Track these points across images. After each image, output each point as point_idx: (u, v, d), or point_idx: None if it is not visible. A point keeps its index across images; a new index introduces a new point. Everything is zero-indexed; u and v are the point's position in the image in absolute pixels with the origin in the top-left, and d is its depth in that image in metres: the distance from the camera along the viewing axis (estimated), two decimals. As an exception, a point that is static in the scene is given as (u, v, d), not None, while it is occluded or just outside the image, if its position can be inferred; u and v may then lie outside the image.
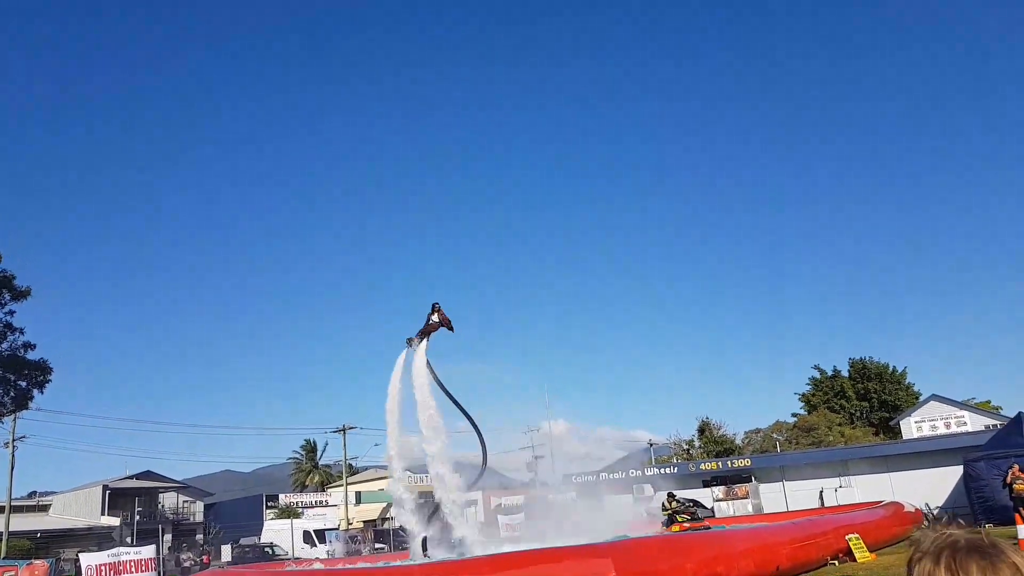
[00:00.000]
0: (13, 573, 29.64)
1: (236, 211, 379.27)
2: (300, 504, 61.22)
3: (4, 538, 42.95)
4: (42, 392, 33.52)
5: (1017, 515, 20.03)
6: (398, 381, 23.88)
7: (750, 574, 14.92)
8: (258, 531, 48.65)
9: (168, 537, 47.67)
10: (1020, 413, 28.63)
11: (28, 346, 32.89)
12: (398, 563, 20.80)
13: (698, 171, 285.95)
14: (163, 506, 61.93)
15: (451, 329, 23.96)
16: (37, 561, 31.51)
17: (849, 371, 64.28)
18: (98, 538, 49.41)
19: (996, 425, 38.35)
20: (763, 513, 34.28)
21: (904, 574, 1.72)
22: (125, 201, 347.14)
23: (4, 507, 44.94)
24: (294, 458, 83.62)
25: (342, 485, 63.05)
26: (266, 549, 41.89)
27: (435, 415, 23.11)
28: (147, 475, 61.03)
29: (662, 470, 42.49)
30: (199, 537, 56.32)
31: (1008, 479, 22.46)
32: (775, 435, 60.69)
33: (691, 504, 27.60)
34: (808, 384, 66.12)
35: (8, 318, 32.77)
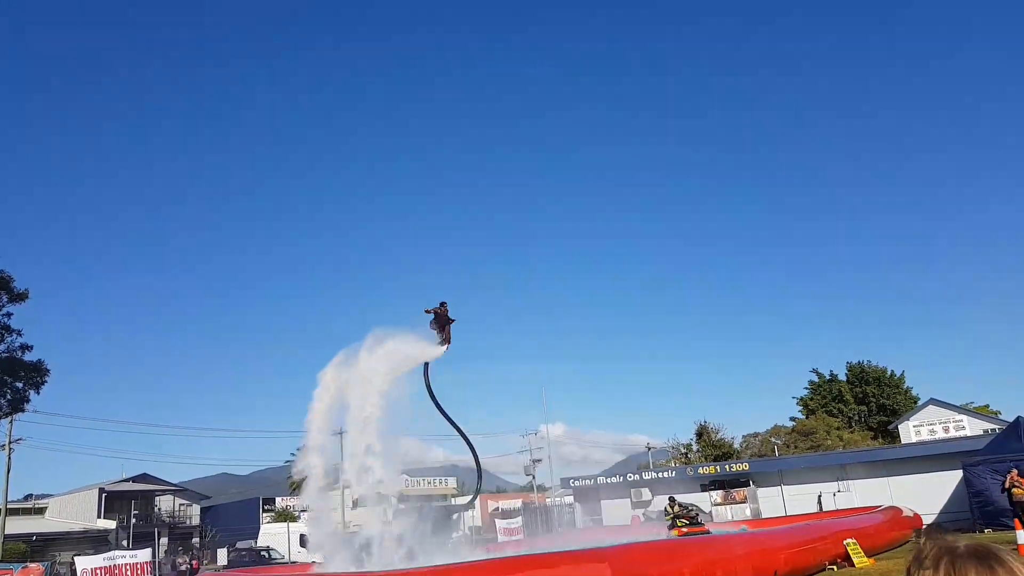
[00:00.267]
0: (8, 576, 29.53)
1: (235, 214, 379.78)
2: (297, 508, 61.03)
3: (-1, 541, 42.83)
4: (39, 394, 33.59)
5: (1016, 520, 20.01)
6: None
7: (748, 579, 14.86)
8: (255, 534, 48.53)
9: (164, 540, 47.53)
10: (1019, 417, 28.53)
11: (25, 348, 32.90)
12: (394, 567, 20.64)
13: (698, 177, 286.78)
14: (159, 509, 61.68)
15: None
16: (32, 564, 31.42)
17: (847, 375, 64.29)
18: (94, 541, 49.21)
19: (995, 429, 38.24)
20: (760, 518, 34.22)
21: (903, 580, 1.70)
22: (123, 203, 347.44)
23: (0, 510, 44.78)
24: (291, 461, 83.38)
25: (339, 489, 62.86)
26: (262, 553, 41.74)
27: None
28: (143, 478, 60.86)
29: (660, 474, 42.42)
30: (195, 540, 56.14)
31: (1007, 484, 22.38)
32: (773, 439, 60.72)
33: (692, 508, 27.57)
34: (806, 388, 66.18)
35: (5, 320, 32.81)
